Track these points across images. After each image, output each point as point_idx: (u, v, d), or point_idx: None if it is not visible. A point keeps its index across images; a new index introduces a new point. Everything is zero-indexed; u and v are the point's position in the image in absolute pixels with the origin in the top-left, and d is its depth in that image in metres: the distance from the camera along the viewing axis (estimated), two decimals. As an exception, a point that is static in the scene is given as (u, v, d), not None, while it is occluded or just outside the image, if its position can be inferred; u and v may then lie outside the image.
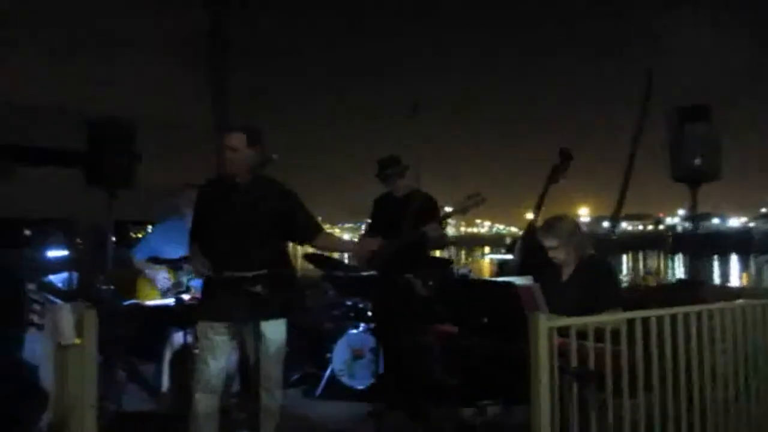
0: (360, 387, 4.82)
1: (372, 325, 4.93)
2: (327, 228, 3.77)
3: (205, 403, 3.27)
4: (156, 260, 4.32)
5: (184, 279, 4.38)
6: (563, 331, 2.71)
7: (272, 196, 3.37)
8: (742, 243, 56.90)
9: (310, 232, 3.48)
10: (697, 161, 4.06)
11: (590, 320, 2.79)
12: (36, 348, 3.68)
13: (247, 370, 3.43)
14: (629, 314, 2.86)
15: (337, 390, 4.82)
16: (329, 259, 5.01)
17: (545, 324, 2.58)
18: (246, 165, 3.29)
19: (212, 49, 7.30)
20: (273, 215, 3.34)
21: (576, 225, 3.60)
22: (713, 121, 4.10)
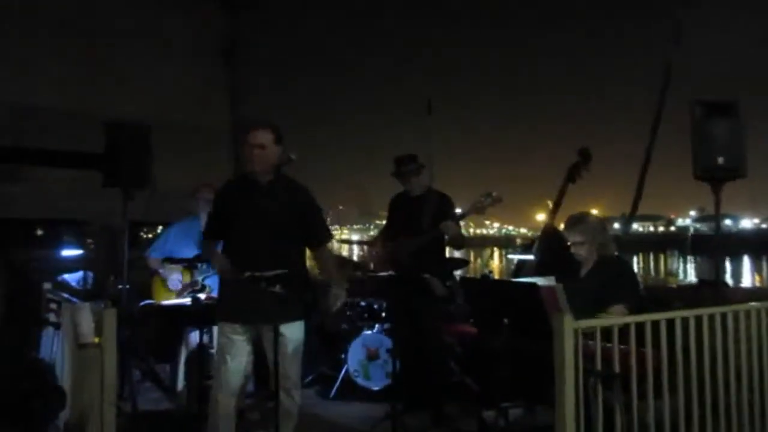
0: (375, 388, 4.77)
1: (386, 326, 4.89)
2: (335, 230, 3.74)
3: (223, 402, 3.24)
4: (171, 260, 4.32)
5: (200, 278, 4.38)
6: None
7: (294, 195, 3.34)
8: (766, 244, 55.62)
9: (316, 241, 3.45)
10: (721, 159, 3.96)
11: (615, 321, 2.75)
12: (52, 346, 3.69)
13: (264, 371, 3.40)
14: (654, 315, 2.81)
15: (351, 391, 4.78)
16: (343, 259, 5.00)
17: (570, 325, 2.54)
18: (272, 163, 3.26)
19: (229, 52, 7.29)
20: (294, 215, 3.31)
21: (602, 223, 3.56)
22: (740, 117, 3.98)
